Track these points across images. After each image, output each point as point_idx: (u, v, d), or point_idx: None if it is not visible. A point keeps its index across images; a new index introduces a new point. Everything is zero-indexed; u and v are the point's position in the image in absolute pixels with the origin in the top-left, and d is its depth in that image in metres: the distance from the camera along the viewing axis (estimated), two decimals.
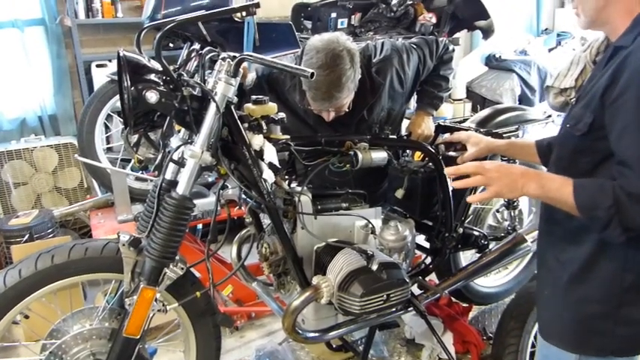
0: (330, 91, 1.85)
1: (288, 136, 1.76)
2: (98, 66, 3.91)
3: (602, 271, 1.29)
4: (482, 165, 1.39)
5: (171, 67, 1.50)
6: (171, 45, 3.40)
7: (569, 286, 1.35)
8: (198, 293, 1.66)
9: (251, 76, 2.14)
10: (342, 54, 1.84)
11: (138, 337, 1.55)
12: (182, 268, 1.58)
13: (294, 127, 2.13)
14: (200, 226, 3.34)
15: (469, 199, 1.50)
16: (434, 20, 3.91)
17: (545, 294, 1.46)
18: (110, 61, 3.90)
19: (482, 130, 2.22)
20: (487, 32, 4.17)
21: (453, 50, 2.34)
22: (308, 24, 3.91)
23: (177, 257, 1.58)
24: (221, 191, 1.81)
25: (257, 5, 1.49)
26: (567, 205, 1.24)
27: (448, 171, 1.48)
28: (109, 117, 3.11)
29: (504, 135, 2.25)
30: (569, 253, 1.35)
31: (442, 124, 2.40)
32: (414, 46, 2.21)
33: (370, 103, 2.11)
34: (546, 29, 6.70)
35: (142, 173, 2.92)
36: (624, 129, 1.15)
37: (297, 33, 3.27)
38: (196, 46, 2.78)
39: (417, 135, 2.24)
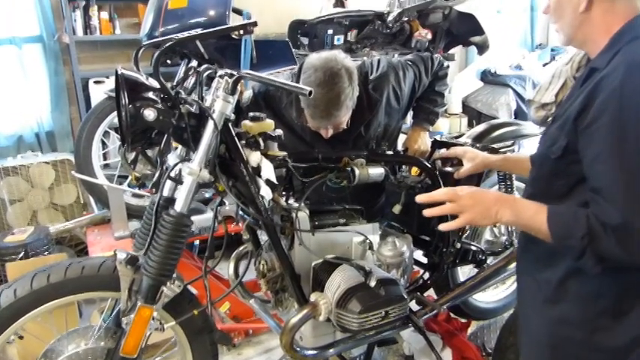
0: (328, 110, 1.86)
1: (286, 153, 1.76)
2: (96, 82, 3.93)
3: (577, 293, 1.27)
4: (455, 192, 1.35)
5: (169, 85, 1.51)
6: (168, 62, 3.41)
7: (545, 306, 1.34)
8: (195, 311, 1.65)
9: (247, 94, 2.15)
10: (341, 72, 1.85)
11: (135, 356, 1.54)
12: (179, 286, 1.57)
13: (290, 144, 2.12)
14: (197, 242, 3.32)
15: (441, 226, 1.41)
16: (429, 36, 3.95)
17: (522, 314, 1.45)
18: (108, 77, 3.92)
19: (478, 145, 2.23)
20: (482, 48, 4.22)
21: (448, 67, 2.36)
22: (305, 40, 3.94)
23: (174, 275, 1.57)
24: (218, 207, 1.81)
25: (254, 24, 1.50)
26: (541, 232, 1.23)
27: (420, 199, 1.41)
28: (106, 133, 3.11)
29: (500, 150, 2.25)
30: (546, 274, 1.33)
31: (438, 139, 2.41)
32: (410, 63, 2.23)
33: (367, 120, 2.12)
34: (540, 44, 6.77)
35: (139, 190, 2.91)
36: (597, 156, 1.13)
37: (294, 50, 3.29)
38: (194, 63, 2.80)
39: (413, 150, 2.24)
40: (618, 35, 1.20)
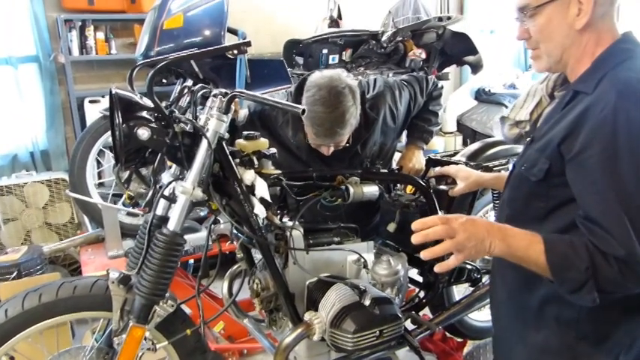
0: (333, 128, 1.88)
1: (280, 171, 1.77)
2: (91, 102, 3.94)
3: (557, 319, 1.25)
4: (450, 225, 1.20)
5: (163, 104, 1.51)
6: (164, 81, 3.43)
7: (525, 332, 1.32)
8: (188, 331, 1.64)
9: (243, 113, 2.16)
10: (345, 91, 1.87)
11: None
12: (172, 305, 1.56)
13: (286, 163, 2.15)
14: (192, 261, 3.30)
15: (437, 268, 1.26)
16: (423, 56, 3.98)
17: (501, 339, 1.44)
18: (103, 97, 3.93)
19: (472, 163, 2.24)
20: (476, 67, 4.25)
21: (442, 87, 2.40)
22: (300, 60, 3.96)
23: (167, 294, 1.56)
24: (213, 226, 1.80)
25: (248, 44, 1.51)
26: (537, 264, 1.16)
27: (415, 239, 1.26)
28: (101, 152, 3.11)
29: (494, 168, 2.26)
30: (523, 299, 1.31)
31: (433, 157, 2.42)
32: (405, 83, 2.26)
33: (364, 138, 2.14)
34: None
35: (133, 208, 2.91)
36: (590, 186, 1.11)
37: (289, 69, 3.31)
38: (188, 82, 2.81)
39: (407, 169, 2.25)
40: (602, 59, 1.20)
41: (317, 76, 1.92)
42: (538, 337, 1.30)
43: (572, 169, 1.15)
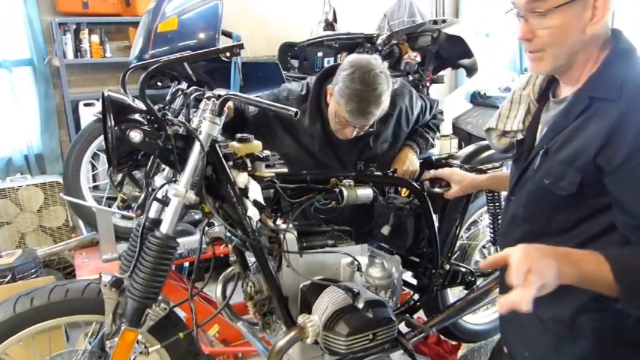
0: (370, 107, 1.92)
1: (274, 174, 1.77)
2: (86, 105, 3.93)
3: (595, 328, 1.20)
4: (529, 257, 1.03)
5: (156, 107, 1.51)
6: (159, 84, 3.43)
7: (559, 346, 1.27)
8: (181, 334, 1.63)
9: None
10: (382, 75, 1.93)
11: None
12: (165, 309, 1.55)
13: (295, 156, 2.21)
14: (186, 264, 3.30)
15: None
16: (418, 59, 3.98)
17: (525, 356, 1.37)
18: (98, 100, 3.91)
19: (466, 166, 2.24)
20: (471, 70, 4.26)
21: (443, 120, 2.50)
22: (295, 63, 3.97)
23: (160, 297, 1.55)
24: (206, 229, 1.80)
25: (241, 47, 1.52)
26: (608, 285, 1.06)
27: (483, 265, 1.18)
28: (95, 155, 3.11)
29: (489, 171, 2.26)
30: (551, 312, 1.25)
31: (427, 160, 2.42)
32: (421, 96, 2.35)
33: (378, 131, 2.17)
34: None
35: (128, 211, 2.90)
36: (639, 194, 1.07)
37: (283, 72, 3.32)
38: (182, 85, 2.81)
39: (402, 171, 2.25)
40: (608, 62, 1.16)
41: (354, 57, 1.99)
42: (574, 348, 1.24)
43: (618, 179, 1.10)
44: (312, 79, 2.21)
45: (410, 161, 2.28)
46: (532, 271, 1.00)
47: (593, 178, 1.12)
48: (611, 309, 1.11)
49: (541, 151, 1.25)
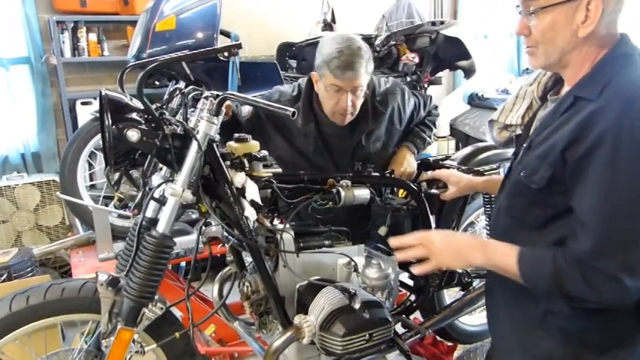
0: (353, 58, 1.94)
1: (271, 174, 1.77)
2: (83, 104, 3.93)
3: (561, 329, 1.25)
4: (426, 237, 1.37)
5: (153, 106, 1.51)
6: (156, 83, 3.43)
7: (527, 343, 1.32)
8: (177, 334, 1.62)
9: (247, 108, 2.16)
10: (358, 38, 2.00)
11: None
12: (161, 308, 1.55)
13: (289, 158, 2.22)
14: (183, 263, 3.29)
15: (413, 269, 1.43)
16: (417, 60, 3.99)
17: (502, 349, 1.43)
18: (95, 99, 3.91)
19: (463, 167, 2.24)
20: (468, 72, 4.27)
21: (438, 115, 2.49)
22: (293, 63, 3.97)
23: (156, 297, 1.55)
24: (203, 229, 1.80)
25: (239, 46, 1.51)
26: (513, 274, 1.22)
27: (392, 243, 1.46)
28: (92, 154, 3.10)
29: (486, 173, 2.27)
30: (524, 309, 1.31)
31: (424, 161, 2.42)
32: (413, 93, 2.34)
33: (370, 129, 2.18)
34: (527, 69, 6.85)
35: (125, 210, 2.89)
36: (588, 190, 1.11)
37: (282, 72, 3.32)
38: (180, 84, 2.81)
39: (399, 172, 2.25)
40: (603, 64, 1.17)
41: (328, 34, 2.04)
42: (541, 348, 1.28)
43: (573, 173, 1.14)
44: (303, 80, 2.23)
45: (407, 162, 2.28)
46: (428, 252, 1.34)
47: (562, 174, 1.16)
48: (578, 312, 1.20)
49: (524, 145, 1.30)
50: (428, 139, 2.41)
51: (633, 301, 1.16)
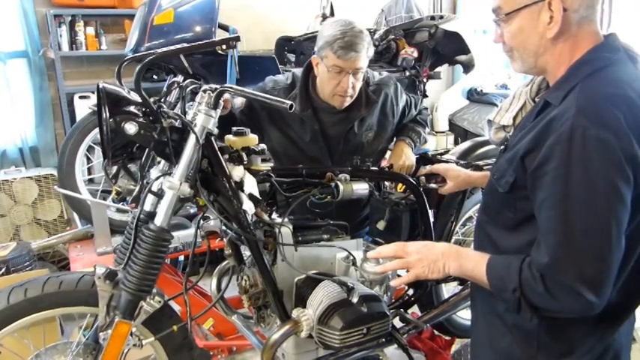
0: (356, 39, 1.98)
1: (269, 167, 1.76)
2: (81, 98, 3.91)
3: (518, 327, 1.27)
4: (403, 249, 1.38)
5: (151, 99, 1.50)
6: (155, 77, 3.41)
7: (493, 338, 1.34)
8: (175, 327, 1.63)
9: (240, 100, 2.15)
10: (356, 23, 2.04)
11: None
12: (159, 302, 1.55)
13: (282, 149, 2.24)
14: (182, 258, 3.29)
15: (392, 283, 1.51)
16: (415, 54, 3.98)
17: (476, 345, 1.46)
18: (93, 93, 3.87)
19: (462, 162, 2.24)
20: (467, 67, 4.25)
21: (429, 115, 2.50)
22: (291, 57, 3.96)
23: (154, 290, 1.55)
24: (201, 223, 1.79)
25: (237, 39, 1.51)
26: (484, 284, 1.24)
27: (370, 255, 1.52)
28: (90, 148, 3.09)
29: (484, 167, 2.27)
30: (493, 304, 1.32)
31: (423, 155, 2.42)
32: (405, 92, 2.39)
33: (363, 116, 2.21)
34: None
35: (123, 205, 2.89)
36: (544, 201, 1.11)
37: (280, 66, 3.31)
38: (178, 78, 2.80)
39: (398, 166, 2.25)
40: (575, 67, 1.16)
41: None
42: (504, 343, 1.31)
43: (532, 181, 1.14)
44: (298, 70, 2.27)
45: (406, 156, 2.28)
46: (405, 264, 1.36)
47: (523, 180, 1.17)
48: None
49: (501, 147, 1.31)
50: (423, 133, 2.43)
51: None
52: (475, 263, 1.25)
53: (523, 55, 1.22)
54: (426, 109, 2.54)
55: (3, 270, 2.88)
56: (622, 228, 1.06)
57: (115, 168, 2.16)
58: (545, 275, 1.10)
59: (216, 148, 1.60)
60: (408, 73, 3.89)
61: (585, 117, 1.05)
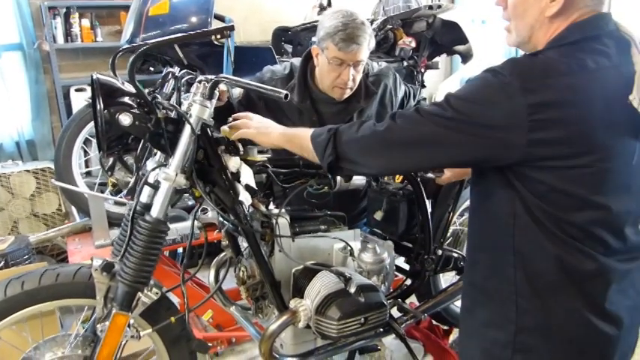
0: (357, 32, 1.96)
1: (266, 158, 1.76)
2: (77, 90, 3.90)
3: (498, 294, 1.26)
4: (247, 114, 1.67)
5: (146, 90, 1.49)
6: (151, 69, 3.40)
7: (474, 311, 1.35)
8: (172, 318, 1.63)
9: (238, 90, 2.14)
10: (358, 14, 2.02)
11: None
12: (157, 293, 1.55)
13: None
14: (180, 250, 3.29)
15: (223, 128, 1.66)
16: (413, 44, 3.96)
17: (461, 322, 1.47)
18: (89, 85, 3.88)
19: None
20: (466, 57, 4.24)
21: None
22: (288, 48, 3.94)
23: (151, 282, 1.55)
24: (199, 214, 1.79)
25: (231, 28, 1.50)
26: (304, 145, 1.44)
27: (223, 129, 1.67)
28: (87, 141, 3.08)
29: None
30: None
31: None
32: (404, 83, 2.37)
33: (362, 107, 2.20)
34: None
35: (121, 197, 2.88)
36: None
37: (277, 57, 3.29)
38: (173, 69, 2.79)
39: None
40: (550, 42, 1.16)
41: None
42: (485, 312, 1.31)
43: None
44: (296, 60, 2.25)
45: None
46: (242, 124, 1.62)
47: None
48: (510, 277, 1.23)
49: None
50: None
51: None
52: (302, 134, 1.48)
53: (519, 26, 1.22)
54: (425, 99, 2.55)
55: (2, 263, 2.88)
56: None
57: (110, 160, 2.16)
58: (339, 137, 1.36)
59: (212, 139, 1.59)
60: (405, 64, 3.87)
61: (509, 66, 1.13)
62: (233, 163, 1.62)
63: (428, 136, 1.19)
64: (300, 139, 1.47)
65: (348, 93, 2.12)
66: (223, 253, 2.08)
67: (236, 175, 1.62)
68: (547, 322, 1.21)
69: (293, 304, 1.67)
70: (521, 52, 1.30)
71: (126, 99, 1.47)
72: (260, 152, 1.78)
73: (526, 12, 1.19)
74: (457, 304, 2.60)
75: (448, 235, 2.31)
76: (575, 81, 1.08)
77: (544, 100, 1.06)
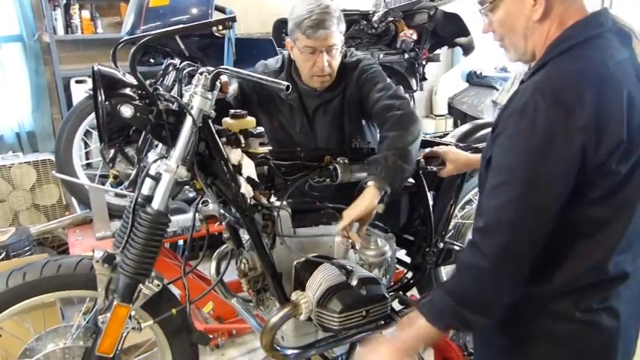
0: (324, 16, 1.91)
1: (267, 151, 1.75)
2: (77, 82, 3.88)
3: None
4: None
5: (147, 82, 1.49)
6: (152, 60, 3.39)
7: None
8: (174, 310, 1.63)
9: (232, 87, 2.14)
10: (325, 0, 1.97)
11: (111, 355, 1.52)
12: (158, 285, 1.55)
13: (271, 134, 2.21)
14: (181, 242, 3.30)
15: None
16: (415, 37, 3.95)
17: None
18: (90, 77, 3.86)
19: (461, 145, 2.23)
20: (467, 49, 4.22)
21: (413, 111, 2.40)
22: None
23: (152, 274, 1.55)
24: (200, 206, 1.79)
25: (233, 19, 1.49)
26: (432, 331, 1.25)
27: None
28: (88, 133, 3.08)
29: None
30: None
31: (423, 138, 2.40)
32: (389, 77, 2.22)
33: (345, 83, 2.12)
34: None
35: (122, 189, 2.88)
36: (491, 170, 1.17)
37: (278, 48, 3.28)
38: (174, 60, 2.78)
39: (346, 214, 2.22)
40: (553, 45, 1.16)
41: None
42: None
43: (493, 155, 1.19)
44: (288, 52, 2.20)
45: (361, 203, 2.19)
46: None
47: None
48: None
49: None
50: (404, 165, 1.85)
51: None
52: (411, 324, 1.28)
53: (513, 40, 1.23)
54: (408, 102, 2.00)
55: (3, 255, 2.88)
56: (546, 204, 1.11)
57: (112, 152, 2.16)
58: (479, 239, 1.17)
59: (214, 131, 1.58)
60: (407, 56, 3.86)
61: (541, 94, 1.07)
62: (235, 155, 1.61)
63: None
64: (421, 331, 1.27)
65: (327, 80, 2.06)
66: (224, 245, 2.07)
67: (237, 168, 1.62)
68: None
69: (294, 296, 1.68)
70: None
71: (127, 90, 1.46)
72: (261, 144, 1.78)
73: (514, 25, 1.20)
74: None
75: (450, 227, 2.30)
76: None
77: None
